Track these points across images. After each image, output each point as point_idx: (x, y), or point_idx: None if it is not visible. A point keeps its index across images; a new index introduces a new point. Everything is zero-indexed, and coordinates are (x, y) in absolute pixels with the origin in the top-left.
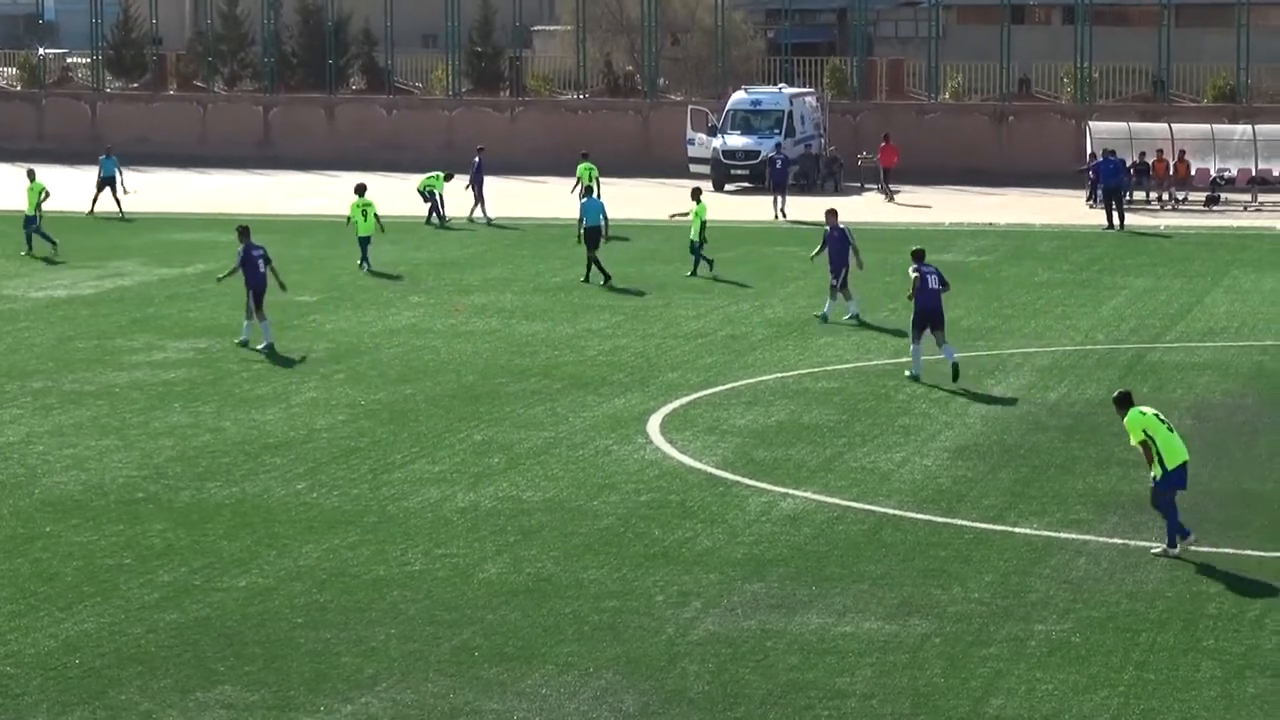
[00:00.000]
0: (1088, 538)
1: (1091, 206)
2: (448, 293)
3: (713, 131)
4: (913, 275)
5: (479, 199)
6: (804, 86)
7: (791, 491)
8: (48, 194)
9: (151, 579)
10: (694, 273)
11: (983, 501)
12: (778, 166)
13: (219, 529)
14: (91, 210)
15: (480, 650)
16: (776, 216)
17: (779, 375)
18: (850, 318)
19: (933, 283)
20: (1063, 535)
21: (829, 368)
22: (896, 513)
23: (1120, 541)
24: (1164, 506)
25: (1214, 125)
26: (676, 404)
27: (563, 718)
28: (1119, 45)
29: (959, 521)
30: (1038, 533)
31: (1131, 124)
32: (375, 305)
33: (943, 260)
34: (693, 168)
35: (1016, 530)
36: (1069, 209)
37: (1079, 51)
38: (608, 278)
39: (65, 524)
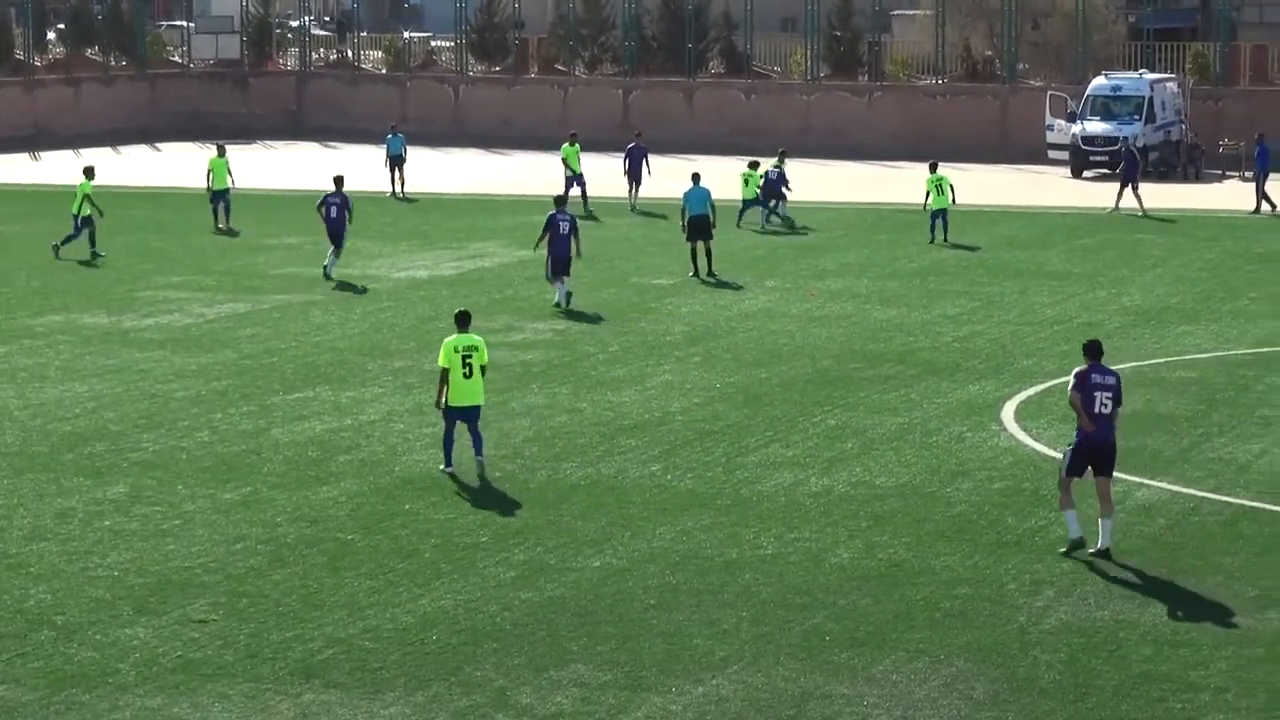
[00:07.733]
0: None
1: None
2: (802, 278)
3: (1072, 118)
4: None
5: (636, 182)
6: (1165, 72)
7: (1146, 481)
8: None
9: (507, 557)
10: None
11: None
12: (1126, 154)
13: (574, 509)
14: (394, 192)
15: (831, 635)
16: (1116, 208)
17: (1135, 364)
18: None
19: (564, 228)
20: None
21: (1186, 357)
22: (1254, 505)
23: None
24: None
25: None
26: (1031, 391)
27: (912, 704)
28: None
29: None
30: None
31: None
32: (730, 289)
33: None
34: (1051, 154)
35: None
36: None
37: None
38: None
39: (424, 502)
